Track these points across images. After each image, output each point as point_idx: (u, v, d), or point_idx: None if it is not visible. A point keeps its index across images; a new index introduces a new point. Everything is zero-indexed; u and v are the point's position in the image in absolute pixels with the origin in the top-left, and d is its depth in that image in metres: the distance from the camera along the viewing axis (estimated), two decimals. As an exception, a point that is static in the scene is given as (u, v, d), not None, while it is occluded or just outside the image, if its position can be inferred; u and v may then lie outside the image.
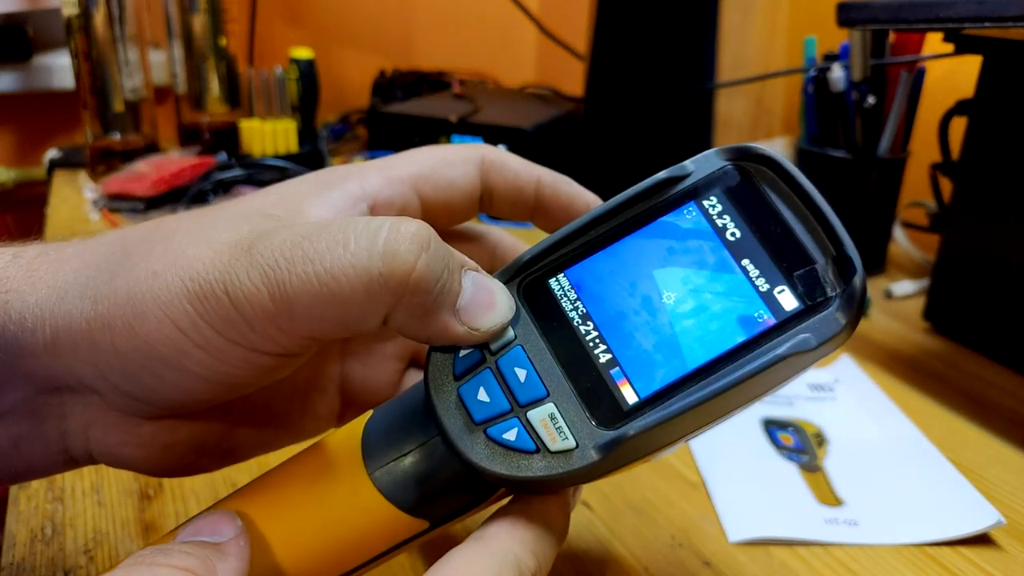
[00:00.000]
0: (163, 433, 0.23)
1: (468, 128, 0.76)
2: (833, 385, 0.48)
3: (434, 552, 0.29)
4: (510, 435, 0.20)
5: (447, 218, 0.27)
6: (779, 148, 0.76)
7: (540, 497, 0.22)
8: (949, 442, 0.42)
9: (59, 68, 0.99)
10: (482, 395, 0.21)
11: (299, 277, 0.19)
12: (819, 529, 0.35)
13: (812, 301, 0.20)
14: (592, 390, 0.21)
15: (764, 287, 0.21)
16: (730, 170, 0.23)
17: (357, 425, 0.23)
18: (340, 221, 0.20)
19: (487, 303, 0.21)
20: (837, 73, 0.63)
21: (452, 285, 0.20)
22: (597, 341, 0.21)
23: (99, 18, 0.78)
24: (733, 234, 0.22)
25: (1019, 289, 0.50)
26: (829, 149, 0.66)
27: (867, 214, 0.65)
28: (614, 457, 0.20)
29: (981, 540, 0.35)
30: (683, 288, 0.21)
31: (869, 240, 0.67)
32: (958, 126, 0.57)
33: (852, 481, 0.38)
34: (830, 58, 0.66)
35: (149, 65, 0.86)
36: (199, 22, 0.86)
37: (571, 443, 0.20)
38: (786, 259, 0.21)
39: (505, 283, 0.23)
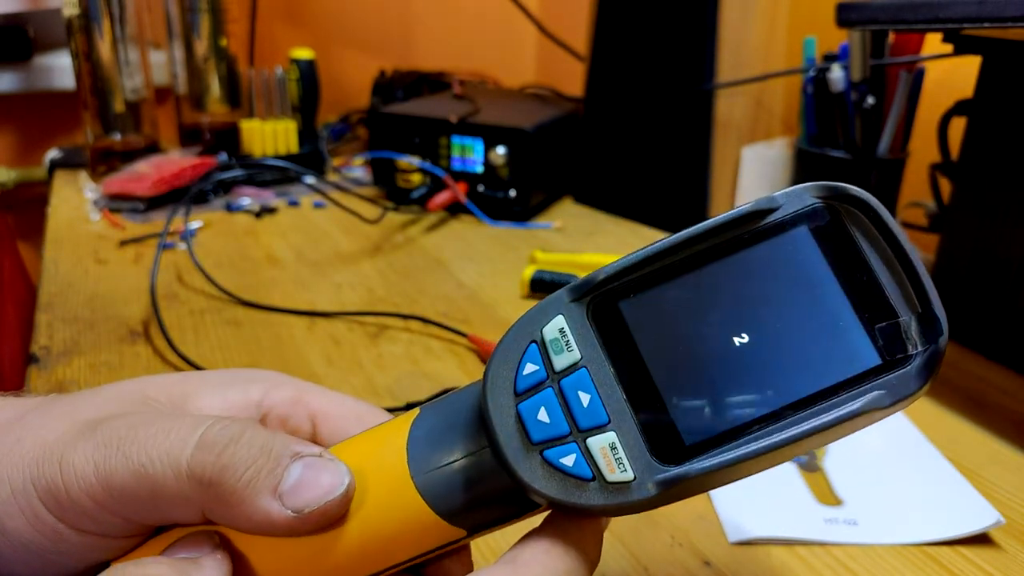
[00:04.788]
0: None
1: (468, 128, 0.76)
2: (833, 385, 0.48)
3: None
4: (568, 460, 0.20)
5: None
6: (779, 148, 0.76)
7: (576, 522, 0.21)
8: (949, 442, 0.42)
9: (60, 68, 0.99)
10: (542, 415, 0.21)
11: (124, 457, 0.20)
12: (819, 529, 0.35)
13: (891, 357, 0.20)
14: (655, 422, 0.20)
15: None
16: (820, 208, 0.21)
17: (403, 423, 0.23)
18: (179, 414, 0.21)
19: (313, 484, 0.21)
20: (836, 73, 0.63)
21: (270, 471, 0.21)
22: (664, 372, 0.21)
23: (100, 18, 0.78)
24: (817, 277, 0.21)
25: (1019, 289, 0.50)
26: (828, 149, 0.66)
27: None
28: (670, 494, 0.20)
29: (981, 540, 0.35)
30: (760, 326, 0.21)
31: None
32: (957, 126, 0.57)
33: (851, 481, 0.38)
34: (830, 58, 0.66)
35: (150, 65, 0.86)
36: (200, 22, 0.86)
37: (629, 475, 0.20)
38: (869, 309, 0.20)
39: (575, 300, 0.22)
